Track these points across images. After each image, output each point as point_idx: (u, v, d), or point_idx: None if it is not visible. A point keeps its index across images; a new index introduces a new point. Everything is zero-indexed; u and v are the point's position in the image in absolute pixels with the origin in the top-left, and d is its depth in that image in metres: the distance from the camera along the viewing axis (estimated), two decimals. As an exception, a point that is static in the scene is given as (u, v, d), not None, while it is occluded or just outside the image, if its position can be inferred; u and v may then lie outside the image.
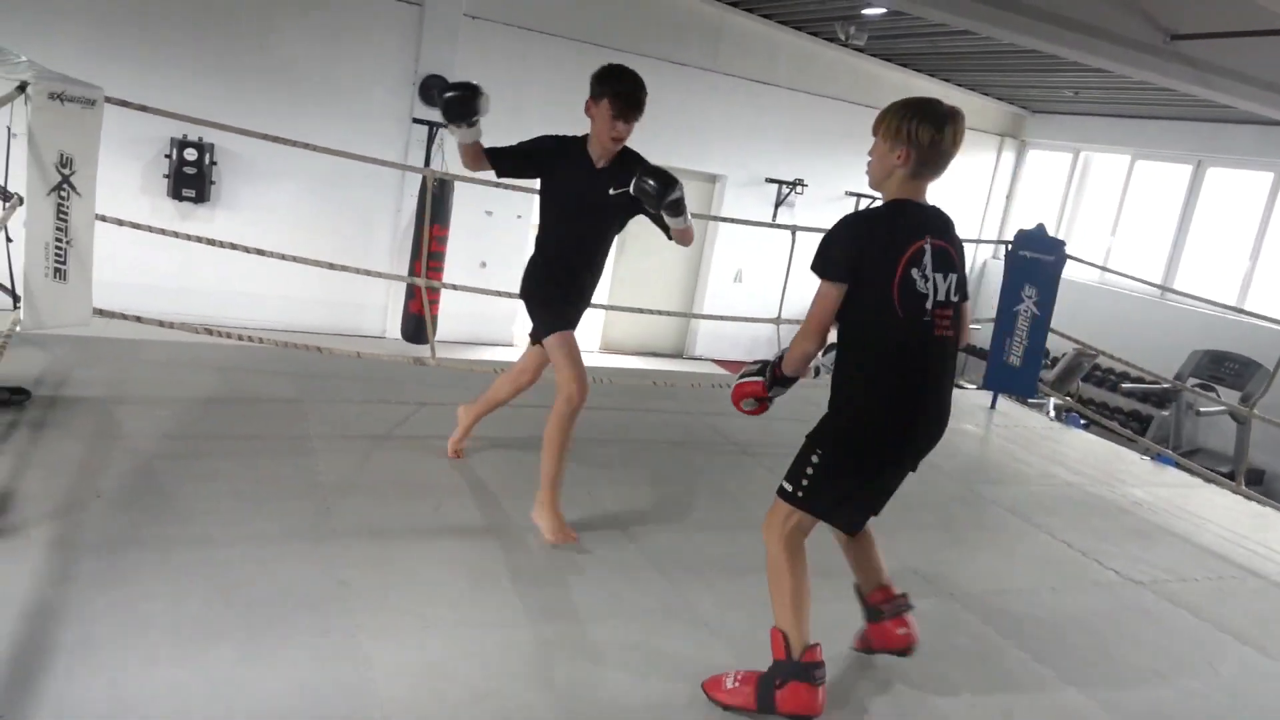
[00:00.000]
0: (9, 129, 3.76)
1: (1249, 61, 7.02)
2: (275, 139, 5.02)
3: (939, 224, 2.47)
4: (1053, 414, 7.44)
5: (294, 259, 4.84)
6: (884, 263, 2.35)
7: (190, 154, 8.67)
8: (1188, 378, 9.14)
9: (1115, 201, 12.19)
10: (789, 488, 2.51)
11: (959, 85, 12.51)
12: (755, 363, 2.68)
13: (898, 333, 2.38)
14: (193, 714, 2.19)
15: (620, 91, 3.15)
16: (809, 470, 2.48)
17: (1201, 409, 9.02)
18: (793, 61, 11.53)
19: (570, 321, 3.37)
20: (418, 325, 8.99)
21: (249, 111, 8.40)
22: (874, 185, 2.50)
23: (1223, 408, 7.95)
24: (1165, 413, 9.61)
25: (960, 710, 2.71)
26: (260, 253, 4.65)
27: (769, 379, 2.60)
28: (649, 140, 12.19)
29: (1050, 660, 3.06)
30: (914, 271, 2.35)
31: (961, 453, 5.39)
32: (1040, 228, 5.98)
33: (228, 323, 6.64)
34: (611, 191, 3.24)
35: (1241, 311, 7.54)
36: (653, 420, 5.10)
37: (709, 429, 5.04)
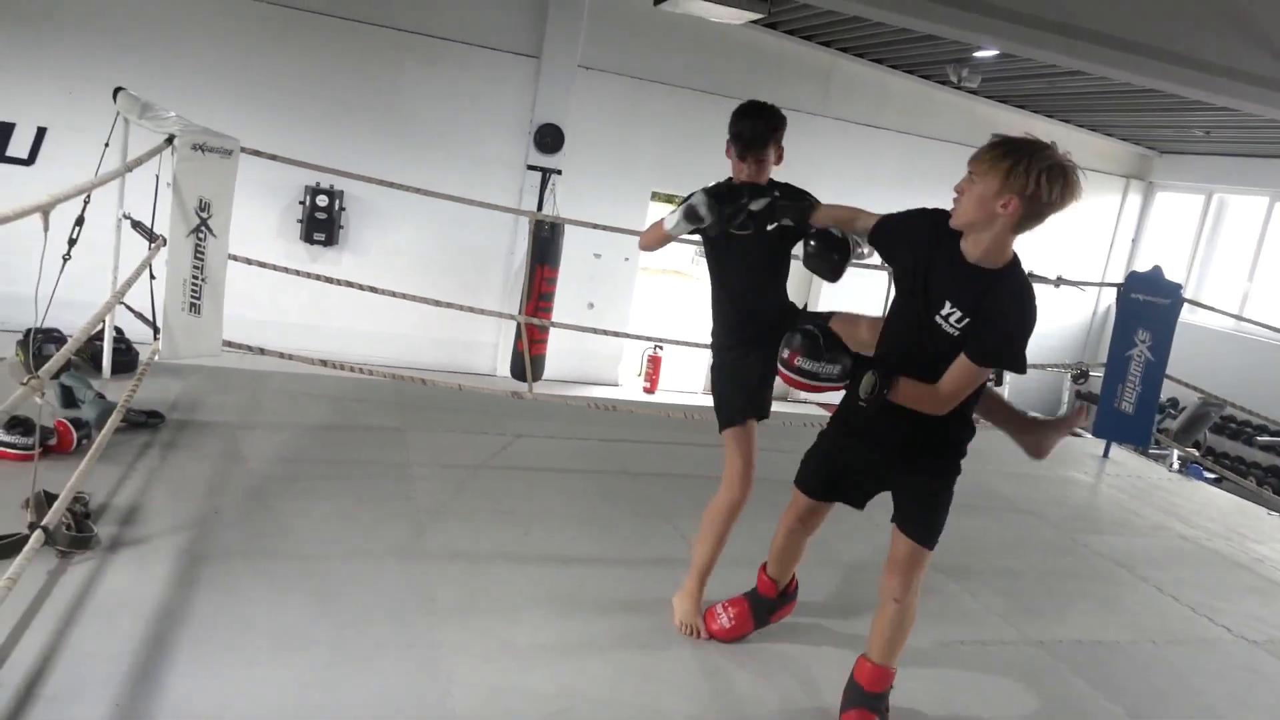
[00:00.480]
0: (157, 177, 4.18)
1: (1392, 96, 6.61)
2: (396, 185, 5.37)
3: None
4: (1176, 465, 7.07)
5: (405, 296, 5.14)
6: None
7: (322, 200, 9.28)
8: (1333, 432, 8.51)
9: (1252, 245, 11.53)
10: (932, 540, 2.49)
11: (1080, 126, 12.15)
12: (827, 356, 2.31)
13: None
14: (284, 713, 2.35)
15: (736, 133, 2.93)
16: (942, 512, 2.50)
17: (1349, 466, 8.37)
18: (904, 104, 11.47)
19: (751, 408, 3.00)
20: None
21: (376, 159, 8.95)
22: (962, 225, 2.28)
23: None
24: (1308, 469, 8.95)
25: (1040, 761, 2.63)
26: (374, 290, 4.97)
27: (875, 395, 2.29)
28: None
29: (1145, 716, 2.92)
30: None
31: (1067, 502, 5.19)
32: (1156, 270, 5.76)
33: (350, 358, 7.05)
34: (755, 210, 2.84)
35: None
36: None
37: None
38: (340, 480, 3.86)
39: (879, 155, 11.52)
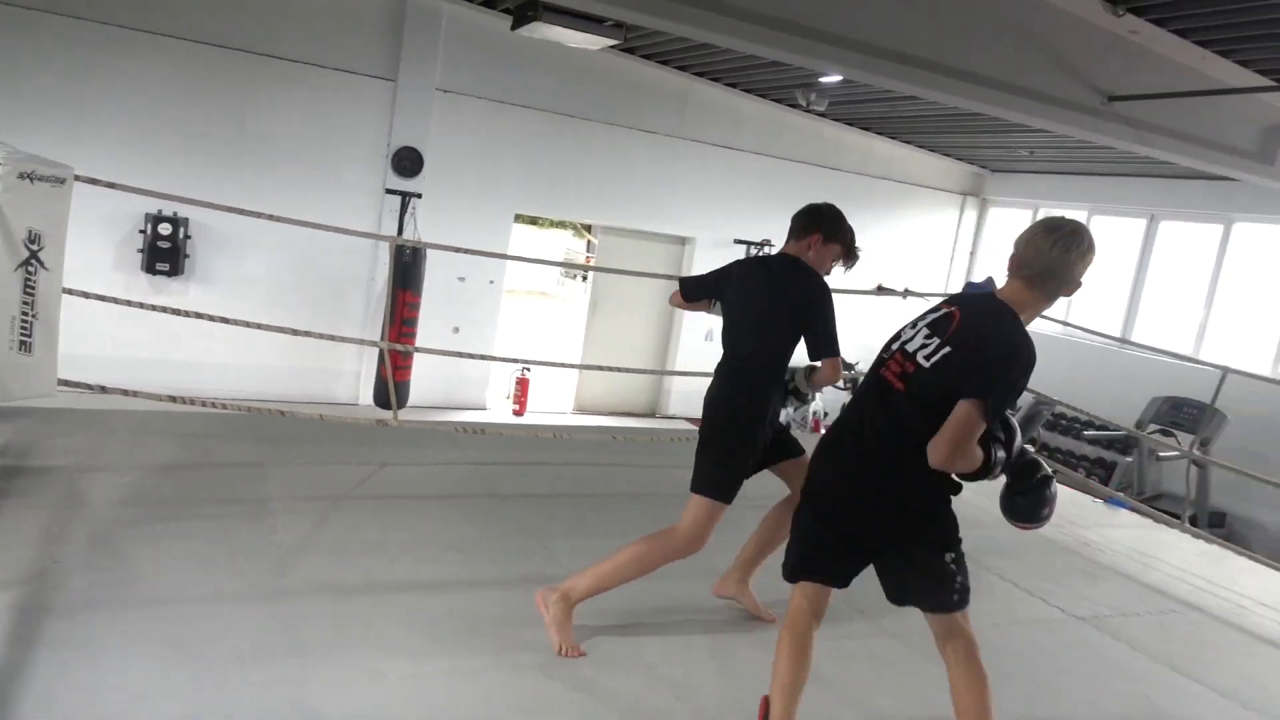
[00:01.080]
0: (-21, 208, 3.91)
1: (1184, 120, 7.35)
2: (244, 211, 5.18)
3: (973, 306, 2.46)
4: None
5: (258, 326, 4.97)
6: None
7: (165, 228, 8.83)
8: (1149, 424, 9.33)
9: (1075, 255, 12.53)
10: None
11: (921, 147, 12.92)
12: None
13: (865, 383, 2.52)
14: (139, 766, 2.25)
15: (853, 249, 3.26)
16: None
17: (1161, 454, 9.19)
18: (758, 127, 11.90)
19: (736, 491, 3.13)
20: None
21: (225, 185, 8.61)
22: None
23: (1178, 452, 8.11)
24: (1129, 459, 9.77)
25: (896, 746, 2.79)
26: (224, 321, 4.79)
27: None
28: (622, 206, 12.45)
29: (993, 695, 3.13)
30: (908, 326, 2.49)
31: (918, 501, 5.50)
32: (989, 280, 6.20)
33: (202, 393, 6.73)
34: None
35: (1183, 358, 7.79)
36: (613, 475, 5.20)
37: (669, 481, 5.11)
38: (195, 521, 3.70)
39: (737, 175, 11.90)
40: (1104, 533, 5.30)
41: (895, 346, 2.45)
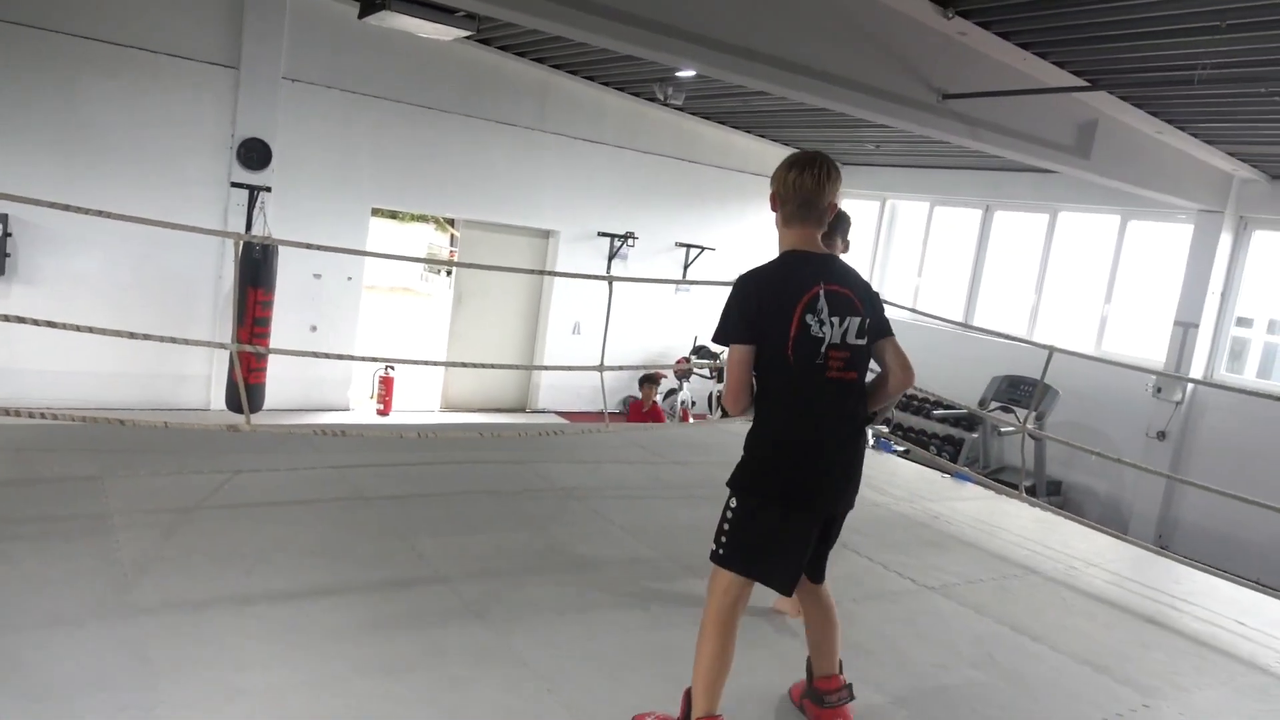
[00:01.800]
0: None
1: (1010, 117, 7.86)
2: (70, 208, 4.82)
3: (834, 270, 2.55)
4: (871, 442, 7.95)
5: (89, 330, 4.64)
6: (780, 314, 2.44)
7: (-19, 226, 8.15)
8: (990, 402, 9.95)
9: (919, 245, 13.20)
10: (713, 546, 2.60)
11: (775, 140, 13.30)
12: None
13: (791, 378, 2.47)
14: (-35, 808, 2.08)
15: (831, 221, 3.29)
16: (725, 524, 2.57)
17: (1002, 429, 9.82)
18: (619, 120, 11.98)
19: None
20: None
21: (52, 180, 8.03)
22: (780, 243, 2.63)
23: (1014, 427, 8.69)
24: (974, 435, 10.39)
25: (763, 720, 2.88)
26: (51, 325, 4.45)
27: None
28: (484, 200, 12.28)
29: (850, 668, 3.27)
30: (809, 317, 2.44)
31: (780, 483, 5.69)
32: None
33: (30, 402, 6.23)
34: None
35: (1017, 339, 8.34)
36: (479, 471, 5.14)
37: (536, 476, 5.12)
38: (24, 541, 3.43)
39: (599, 169, 11.94)
40: (951, 505, 5.62)
41: (823, 349, 2.46)
